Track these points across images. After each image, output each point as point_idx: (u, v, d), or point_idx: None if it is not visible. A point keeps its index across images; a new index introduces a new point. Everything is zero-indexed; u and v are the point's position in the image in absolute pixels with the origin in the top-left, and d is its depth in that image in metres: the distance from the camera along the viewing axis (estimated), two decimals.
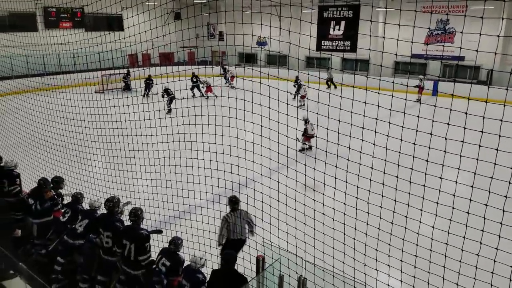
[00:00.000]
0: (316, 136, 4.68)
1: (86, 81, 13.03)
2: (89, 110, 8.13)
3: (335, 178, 4.62)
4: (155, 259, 5.04)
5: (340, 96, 4.37)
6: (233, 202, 5.90)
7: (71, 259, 5.84)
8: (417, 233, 4.21)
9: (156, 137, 7.01)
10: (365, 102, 4.24)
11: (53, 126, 8.67)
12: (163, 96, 17.66)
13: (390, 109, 4.10)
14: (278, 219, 5.17)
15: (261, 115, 5.44)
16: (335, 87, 21.59)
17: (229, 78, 24.20)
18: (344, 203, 4.54)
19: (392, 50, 4.59)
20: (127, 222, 5.32)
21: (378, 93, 4.12)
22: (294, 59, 22.36)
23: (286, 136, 5.16)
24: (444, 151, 3.84)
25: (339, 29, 26.12)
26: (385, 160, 4.13)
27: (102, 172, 7.99)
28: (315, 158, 4.86)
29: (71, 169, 7.97)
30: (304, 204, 4.96)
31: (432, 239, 4.07)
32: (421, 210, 4.06)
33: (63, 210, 6.19)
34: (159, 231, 6.04)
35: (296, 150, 9.08)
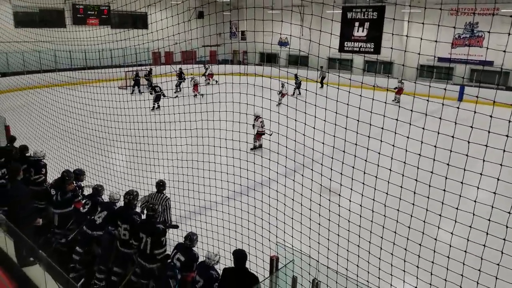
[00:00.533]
0: (335, 136, 4.61)
1: (110, 76, 13.27)
2: (112, 104, 8.29)
3: (352, 179, 4.56)
4: (170, 253, 5.09)
5: (360, 96, 4.33)
6: (158, 185, 6.27)
7: (89, 249, 5.97)
8: (435, 239, 4.13)
9: (175, 132, 7.09)
10: (385, 102, 4.18)
11: (77, 119, 8.87)
12: (151, 93, 17.89)
13: (412, 110, 4.04)
14: (292, 219, 5.16)
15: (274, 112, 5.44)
16: (322, 87, 22.09)
17: (207, 76, 24.75)
18: (361, 205, 4.49)
19: (417, 54, 4.51)
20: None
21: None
22: (315, 59, 22.26)
23: (304, 135, 5.12)
24: (467, 155, 3.74)
25: (363, 30, 25.80)
26: (404, 162, 4.06)
27: (122, 165, 8.14)
28: (332, 158, 4.81)
29: (93, 162, 8.15)
30: (320, 205, 4.93)
31: (450, 246, 3.97)
32: (440, 215, 3.98)
33: (83, 202, 6.33)
34: (175, 226, 6.11)
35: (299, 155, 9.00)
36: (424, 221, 4.22)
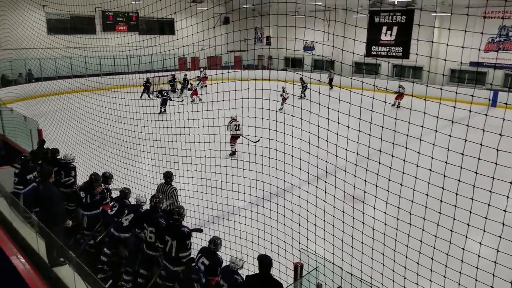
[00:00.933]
0: (358, 143, 4.53)
1: (137, 82, 13.59)
2: (138, 110, 8.48)
3: (376, 186, 4.51)
4: (195, 257, 5.15)
5: (384, 102, 4.28)
6: (166, 176, 6.66)
7: (117, 251, 6.11)
8: (463, 249, 4.03)
9: (198, 137, 7.19)
10: (410, 109, 4.12)
11: (106, 123, 9.11)
12: (157, 97, 17.86)
13: (437, 117, 3.96)
14: (315, 225, 5.13)
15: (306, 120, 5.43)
16: (331, 88, 21.67)
17: (202, 79, 24.98)
18: (385, 213, 4.43)
19: (448, 57, 4.41)
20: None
21: (425, 99, 3.99)
22: (342, 64, 22.11)
23: (327, 141, 5.10)
24: (495, 163, 3.64)
25: (391, 35, 25.44)
26: (430, 170, 3.99)
27: (148, 169, 8.30)
28: (355, 164, 4.77)
29: (121, 165, 8.34)
30: (343, 212, 4.89)
31: (479, 256, 3.87)
32: (468, 224, 3.88)
33: (111, 204, 6.49)
34: (199, 230, 6.17)
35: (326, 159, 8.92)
36: (451, 230, 4.12)
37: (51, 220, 5.71)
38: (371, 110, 4.31)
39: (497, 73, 22.48)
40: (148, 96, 21.84)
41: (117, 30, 26.83)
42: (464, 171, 3.84)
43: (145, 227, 5.50)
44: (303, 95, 20.55)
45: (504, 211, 3.65)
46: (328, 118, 5.07)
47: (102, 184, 6.76)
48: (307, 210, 5.27)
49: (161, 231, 5.32)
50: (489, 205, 3.95)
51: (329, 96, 5.13)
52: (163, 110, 17.39)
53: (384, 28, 25.58)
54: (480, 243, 3.87)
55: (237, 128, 11.03)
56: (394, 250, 4.36)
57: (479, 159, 3.68)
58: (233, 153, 11.34)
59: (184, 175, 8.01)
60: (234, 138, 11.13)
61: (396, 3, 24.26)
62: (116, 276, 5.86)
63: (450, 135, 3.87)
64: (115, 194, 7.09)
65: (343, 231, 4.86)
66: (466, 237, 4.23)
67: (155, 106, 8.15)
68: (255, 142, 9.20)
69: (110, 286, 5.68)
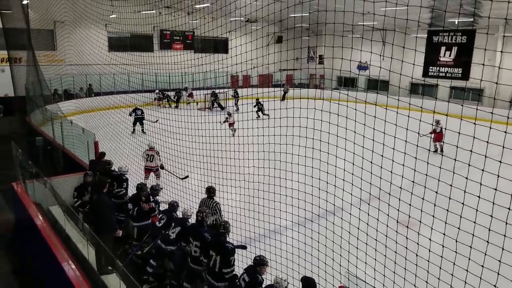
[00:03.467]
0: (415, 170, 4.27)
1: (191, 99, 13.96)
2: (190, 126, 8.67)
3: (433, 216, 4.24)
4: (238, 274, 5.11)
5: (445, 128, 4.04)
6: (209, 191, 6.72)
7: (162, 263, 6.20)
8: None
9: (248, 153, 7.20)
10: (473, 136, 3.86)
11: (158, 138, 9.40)
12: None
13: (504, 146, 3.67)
14: (363, 251, 4.92)
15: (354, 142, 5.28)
16: (282, 100, 21.48)
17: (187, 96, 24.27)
18: (442, 246, 4.14)
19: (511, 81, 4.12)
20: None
21: (474, 123, 3.72)
22: (396, 83, 21.47)
23: (381, 167, 4.90)
24: None
25: (450, 55, 24.49)
26: (493, 202, 3.68)
27: (196, 183, 8.42)
28: (411, 193, 4.53)
29: (169, 179, 8.54)
30: (396, 242, 4.64)
31: None
32: None
33: (159, 216, 6.63)
34: (243, 247, 6.13)
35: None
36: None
37: (102, 229, 5.92)
38: (420, 135, 4.08)
39: None
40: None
41: (174, 48, 27.95)
42: None
43: (191, 241, 5.54)
44: (258, 115, 19.56)
45: None
46: (384, 144, 4.90)
47: (151, 197, 6.93)
48: (357, 238, 5.06)
49: (206, 246, 5.34)
50: None
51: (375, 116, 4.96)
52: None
53: (443, 48, 24.68)
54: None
55: (149, 158, 9.84)
56: (451, 286, 4.06)
57: None
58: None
59: (229, 191, 8.03)
60: (147, 170, 9.92)
61: (457, 22, 23.37)
62: None
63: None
64: (162, 207, 7.24)
65: (395, 262, 4.60)
66: None
67: (209, 122, 8.30)
68: (182, 179, 9.12)
69: None
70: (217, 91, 23.01)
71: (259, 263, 4.89)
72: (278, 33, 28.12)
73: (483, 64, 5.02)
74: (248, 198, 6.61)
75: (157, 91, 22.66)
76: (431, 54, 24.66)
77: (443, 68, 24.83)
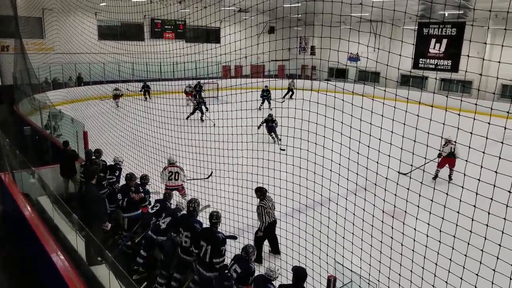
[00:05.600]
0: (400, 160, 4.32)
1: (181, 89, 13.87)
2: (181, 115, 8.65)
3: (418, 207, 4.31)
4: (228, 264, 5.16)
5: (430, 119, 4.10)
6: (263, 191, 6.55)
7: (153, 254, 6.23)
8: (510, 278, 3.75)
9: (236, 144, 7.21)
10: (457, 128, 3.92)
11: (148, 128, 9.36)
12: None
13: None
14: (350, 241, 5.00)
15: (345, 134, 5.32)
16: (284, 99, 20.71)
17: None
18: (427, 235, 4.23)
19: (500, 72, 4.18)
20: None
21: (474, 118, 3.78)
22: (388, 75, 21.51)
23: (368, 157, 4.95)
24: None
25: (439, 48, 24.63)
26: (476, 193, 3.76)
27: (187, 174, 8.42)
28: (397, 183, 4.60)
29: (159, 170, 8.49)
30: (382, 232, 4.72)
31: None
32: None
33: (150, 207, 6.62)
34: (234, 237, 6.17)
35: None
36: (497, 257, 3.86)
37: (91, 220, 5.91)
38: (415, 128, 4.15)
39: None
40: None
41: (165, 37, 27.65)
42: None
43: (181, 231, 5.57)
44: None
45: None
46: (370, 134, 4.94)
47: (140, 188, 6.92)
48: (344, 228, 5.13)
49: (196, 236, 5.37)
50: None
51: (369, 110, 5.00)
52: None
53: (433, 40, 24.79)
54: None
55: (173, 177, 8.16)
56: (434, 275, 4.15)
57: None
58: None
59: (219, 182, 8.07)
60: (169, 189, 7.65)
61: (446, 15, 23.44)
62: (150, 278, 5.96)
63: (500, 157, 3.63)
64: (153, 198, 7.23)
65: (380, 252, 4.69)
66: None
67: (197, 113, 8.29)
68: (207, 178, 8.67)
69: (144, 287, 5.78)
70: (202, 82, 22.68)
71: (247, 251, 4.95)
72: (270, 24, 27.97)
73: (468, 56, 5.06)
74: (238, 188, 6.64)
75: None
76: (421, 46, 24.77)
77: (433, 60, 24.98)
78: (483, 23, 21.84)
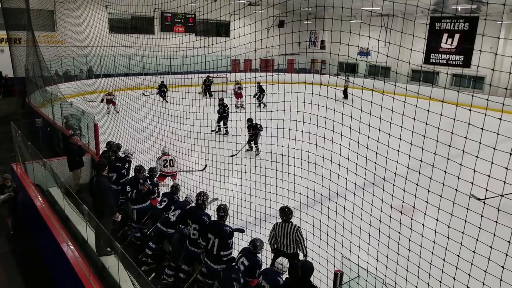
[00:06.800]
0: (410, 156, 4.28)
1: (192, 82, 13.88)
2: (190, 109, 8.67)
3: (427, 202, 4.29)
4: (236, 256, 5.19)
5: (440, 115, 4.07)
6: (285, 212, 5.53)
7: (162, 246, 6.29)
8: None
9: (241, 138, 7.20)
10: (468, 123, 3.88)
11: (157, 121, 9.40)
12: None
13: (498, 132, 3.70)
14: (359, 237, 4.99)
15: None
16: (345, 97, 20.51)
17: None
18: (435, 231, 4.20)
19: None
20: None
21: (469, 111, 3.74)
22: (399, 70, 21.31)
23: (376, 152, 4.93)
24: None
25: (451, 42, 24.32)
26: (486, 189, 3.73)
27: (197, 167, 8.46)
28: (406, 178, 4.57)
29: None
30: (389, 227, 4.71)
31: None
32: None
33: (159, 199, 6.69)
34: (241, 230, 6.20)
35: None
36: (506, 254, 3.83)
37: (101, 211, 5.98)
38: (425, 123, 4.11)
39: None
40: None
41: (175, 31, 27.64)
42: None
43: (189, 224, 5.61)
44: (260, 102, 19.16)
45: None
46: (379, 129, 4.92)
47: (148, 180, 6.98)
48: (351, 222, 5.13)
49: (204, 229, 5.41)
50: None
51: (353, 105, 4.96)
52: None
53: (445, 35, 24.48)
54: None
55: (168, 163, 8.95)
56: (442, 271, 4.13)
57: None
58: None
59: (227, 175, 8.08)
60: (163, 177, 8.93)
61: (459, 9, 23.11)
62: (159, 270, 6.03)
63: (510, 153, 3.58)
64: (162, 190, 7.29)
65: (388, 247, 4.68)
66: None
67: (204, 106, 8.30)
68: (202, 170, 8.79)
69: (153, 279, 5.85)
70: (211, 75, 22.67)
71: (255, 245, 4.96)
72: (279, 17, 27.81)
73: (480, 51, 4.98)
74: (246, 182, 6.65)
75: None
76: (433, 41, 24.48)
77: (445, 55, 24.68)
78: (497, 17, 21.48)
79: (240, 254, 5.13)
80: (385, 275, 4.38)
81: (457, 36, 23.95)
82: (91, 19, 15.23)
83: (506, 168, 3.59)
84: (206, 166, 9.01)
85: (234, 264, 5.07)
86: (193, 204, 5.99)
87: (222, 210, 5.35)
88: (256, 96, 19.50)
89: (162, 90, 19.57)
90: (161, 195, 6.91)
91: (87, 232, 5.93)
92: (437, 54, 25.12)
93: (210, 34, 27.24)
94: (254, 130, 10.65)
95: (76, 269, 4.98)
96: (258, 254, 5.03)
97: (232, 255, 5.25)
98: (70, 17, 16.20)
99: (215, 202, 6.18)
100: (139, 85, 11.68)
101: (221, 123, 13.44)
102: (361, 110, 5.10)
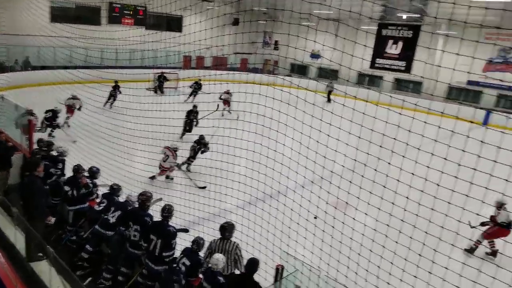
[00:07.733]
0: (345, 156, 4.46)
1: (139, 78, 13.43)
2: (137, 106, 8.38)
3: (358, 198, 4.49)
4: (178, 257, 5.10)
5: (374, 118, 4.24)
6: (224, 229, 5.17)
7: (99, 248, 6.02)
8: (449, 257, 4.01)
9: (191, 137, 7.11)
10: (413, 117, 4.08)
11: (100, 119, 9.00)
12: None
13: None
14: (297, 233, 5.12)
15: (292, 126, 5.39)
16: (329, 101, 20.79)
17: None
18: (365, 225, 4.42)
19: (448, 75, 4.41)
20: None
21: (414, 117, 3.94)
22: (345, 73, 22.01)
23: (316, 152, 5.07)
24: (471, 182, 3.76)
25: (396, 48, 25.52)
26: (410, 186, 3.98)
27: (140, 167, 8.20)
28: (341, 177, 4.74)
29: (112, 162, 8.19)
30: (324, 222, 4.88)
31: (464, 264, 3.88)
32: (457, 233, 3.89)
33: (98, 200, 6.41)
34: (185, 230, 6.10)
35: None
36: (439, 238, 4.09)
37: (32, 214, 5.62)
38: (361, 125, 4.28)
39: (492, 92, 22.41)
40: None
41: (123, 23, 26.39)
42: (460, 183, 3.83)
43: (130, 225, 5.43)
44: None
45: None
46: (320, 130, 5.05)
47: (88, 179, 6.67)
48: (290, 218, 5.23)
49: (146, 230, 5.26)
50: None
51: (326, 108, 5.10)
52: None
53: (391, 41, 25.63)
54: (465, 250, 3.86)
55: (163, 158, 8.98)
56: (381, 257, 4.34)
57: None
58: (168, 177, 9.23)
59: (178, 175, 7.97)
60: (163, 171, 9.02)
61: (405, 17, 24.26)
62: (95, 274, 5.77)
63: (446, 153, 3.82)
64: (101, 191, 6.97)
65: (322, 240, 4.85)
66: (453, 246, 4.19)
67: (158, 103, 8.05)
68: (200, 188, 8.34)
69: (89, 283, 5.60)
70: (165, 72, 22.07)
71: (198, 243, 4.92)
72: (234, 15, 27.73)
73: (414, 59, 5.25)
74: (190, 181, 6.57)
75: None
76: (379, 46, 25.56)
77: (389, 60, 25.87)
78: (437, 28, 22.77)
79: (182, 255, 5.05)
80: (318, 267, 4.53)
81: (401, 43, 25.17)
82: (31, 6, 14.28)
83: (427, 167, 3.83)
84: (205, 187, 8.45)
85: (175, 265, 4.98)
86: (135, 205, 5.81)
87: (167, 211, 5.23)
88: (193, 94, 18.92)
89: (160, 81, 18.71)
90: (100, 196, 6.62)
91: (15, 237, 5.54)
92: (382, 59, 26.26)
93: (161, 29, 26.50)
94: (200, 146, 9.66)
95: (2, 275, 4.64)
96: (200, 253, 4.98)
97: (174, 256, 5.15)
98: (6, 2, 15.04)
99: (159, 203, 6.04)
100: (80, 79, 11.09)
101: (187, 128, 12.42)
102: (304, 112, 5.21)
